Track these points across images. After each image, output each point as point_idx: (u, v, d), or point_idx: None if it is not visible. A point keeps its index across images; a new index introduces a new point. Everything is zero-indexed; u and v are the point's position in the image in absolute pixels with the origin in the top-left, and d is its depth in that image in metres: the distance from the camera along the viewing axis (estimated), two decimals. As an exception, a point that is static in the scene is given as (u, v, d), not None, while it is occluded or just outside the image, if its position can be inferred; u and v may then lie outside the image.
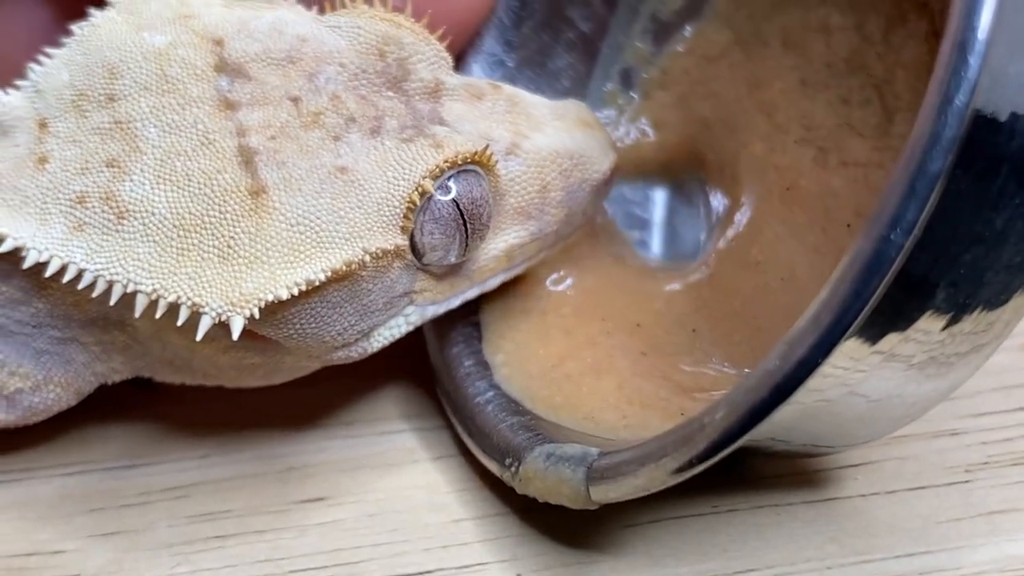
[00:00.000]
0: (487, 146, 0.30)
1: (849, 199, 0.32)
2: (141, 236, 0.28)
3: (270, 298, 0.27)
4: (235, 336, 0.27)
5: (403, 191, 0.29)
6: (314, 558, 0.30)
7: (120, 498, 0.31)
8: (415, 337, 0.32)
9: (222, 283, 0.27)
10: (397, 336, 0.31)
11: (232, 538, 0.30)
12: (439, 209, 0.29)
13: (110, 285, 0.28)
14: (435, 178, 0.29)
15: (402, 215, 0.29)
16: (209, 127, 0.28)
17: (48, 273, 0.28)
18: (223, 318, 0.27)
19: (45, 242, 0.28)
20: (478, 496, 0.31)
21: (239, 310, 0.27)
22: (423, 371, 0.34)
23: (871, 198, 0.32)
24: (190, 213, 0.28)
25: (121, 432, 0.33)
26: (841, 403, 0.26)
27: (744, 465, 0.31)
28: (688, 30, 0.36)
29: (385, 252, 0.29)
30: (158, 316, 0.28)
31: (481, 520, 0.30)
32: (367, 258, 0.28)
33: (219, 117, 0.28)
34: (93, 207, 0.28)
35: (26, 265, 0.28)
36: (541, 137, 0.31)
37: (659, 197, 0.37)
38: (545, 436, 0.30)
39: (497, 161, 0.30)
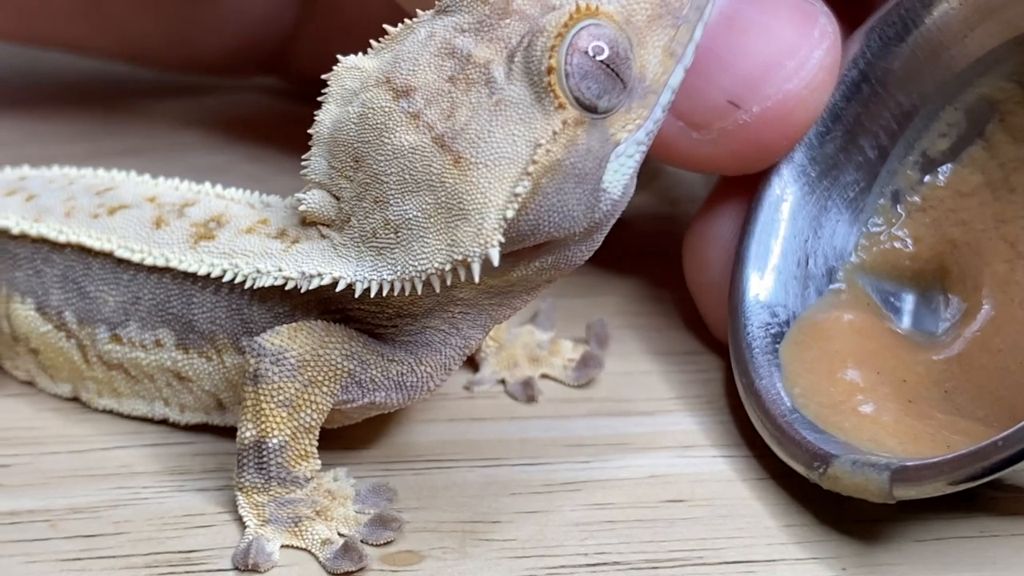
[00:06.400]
0: (575, 4, 0.35)
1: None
2: (414, 237, 0.36)
3: (503, 222, 0.35)
4: (495, 263, 0.35)
5: (541, 82, 0.35)
6: (684, 542, 0.39)
7: (530, 487, 0.41)
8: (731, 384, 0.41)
9: (471, 234, 0.35)
10: (631, 170, 0.37)
11: (619, 523, 0.39)
12: (576, 69, 0.35)
13: (412, 282, 0.36)
14: (552, 56, 0.35)
15: (552, 98, 0.35)
16: (412, 140, 0.36)
17: (372, 295, 0.37)
18: (483, 258, 0.35)
19: (363, 273, 0.37)
20: (803, 508, 0.40)
21: (490, 246, 0.35)
22: (739, 412, 0.43)
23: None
24: (428, 204, 0.36)
25: (521, 437, 0.43)
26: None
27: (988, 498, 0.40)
28: (948, 168, 0.45)
29: (559, 131, 0.35)
30: (449, 283, 0.36)
31: (808, 527, 0.40)
32: (548, 147, 0.35)
33: (413, 129, 0.36)
34: (380, 235, 0.37)
35: (357, 295, 0.37)
36: None
37: (907, 295, 0.46)
38: (843, 448, 0.39)
39: (598, 4, 0.35)
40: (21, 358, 0.44)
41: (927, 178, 0.46)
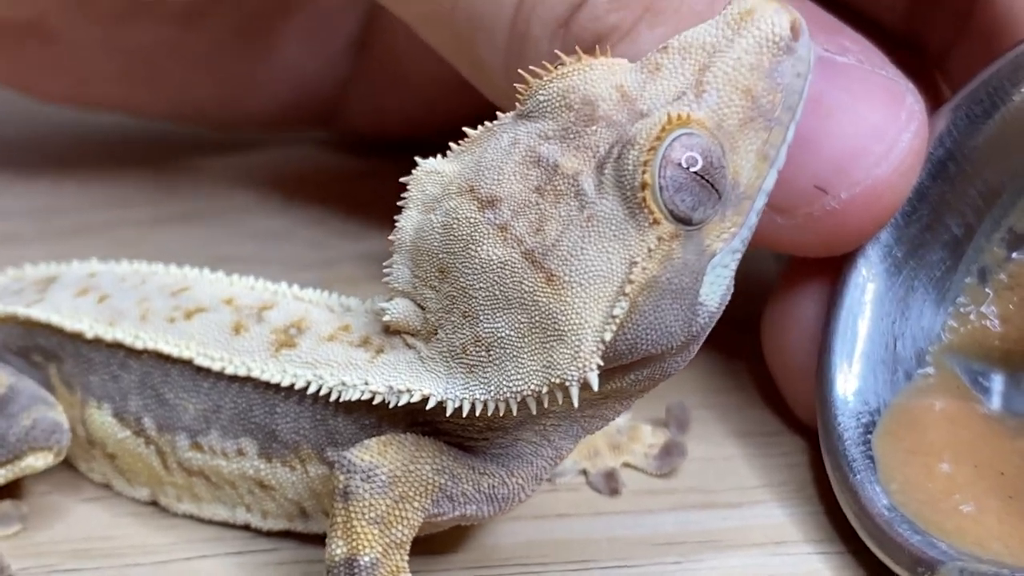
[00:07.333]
0: (667, 115, 0.34)
1: None
2: (507, 357, 0.35)
3: (602, 345, 0.34)
4: (595, 388, 0.34)
5: (635, 197, 0.34)
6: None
7: (624, 590, 0.40)
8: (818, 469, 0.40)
9: (568, 356, 0.34)
10: (727, 280, 0.36)
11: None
12: (670, 182, 0.34)
13: (507, 403, 0.35)
14: (646, 171, 0.34)
15: (647, 213, 0.34)
16: (500, 255, 0.35)
17: (464, 414, 0.36)
18: (581, 382, 0.34)
19: (455, 391, 0.36)
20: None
21: (588, 369, 0.34)
22: (829, 499, 0.42)
23: None
24: (522, 322, 0.35)
25: (609, 536, 0.42)
26: None
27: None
28: (1036, 245, 0.45)
29: (654, 248, 0.34)
30: (547, 406, 0.35)
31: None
32: (644, 264, 0.34)
33: (501, 242, 0.35)
34: (471, 352, 0.36)
35: (448, 414, 0.36)
36: (718, 58, 0.35)
37: (996, 375, 0.45)
38: (947, 554, 0.38)
39: (689, 112, 0.34)
40: (97, 461, 0.43)
41: (1014, 255, 0.45)
